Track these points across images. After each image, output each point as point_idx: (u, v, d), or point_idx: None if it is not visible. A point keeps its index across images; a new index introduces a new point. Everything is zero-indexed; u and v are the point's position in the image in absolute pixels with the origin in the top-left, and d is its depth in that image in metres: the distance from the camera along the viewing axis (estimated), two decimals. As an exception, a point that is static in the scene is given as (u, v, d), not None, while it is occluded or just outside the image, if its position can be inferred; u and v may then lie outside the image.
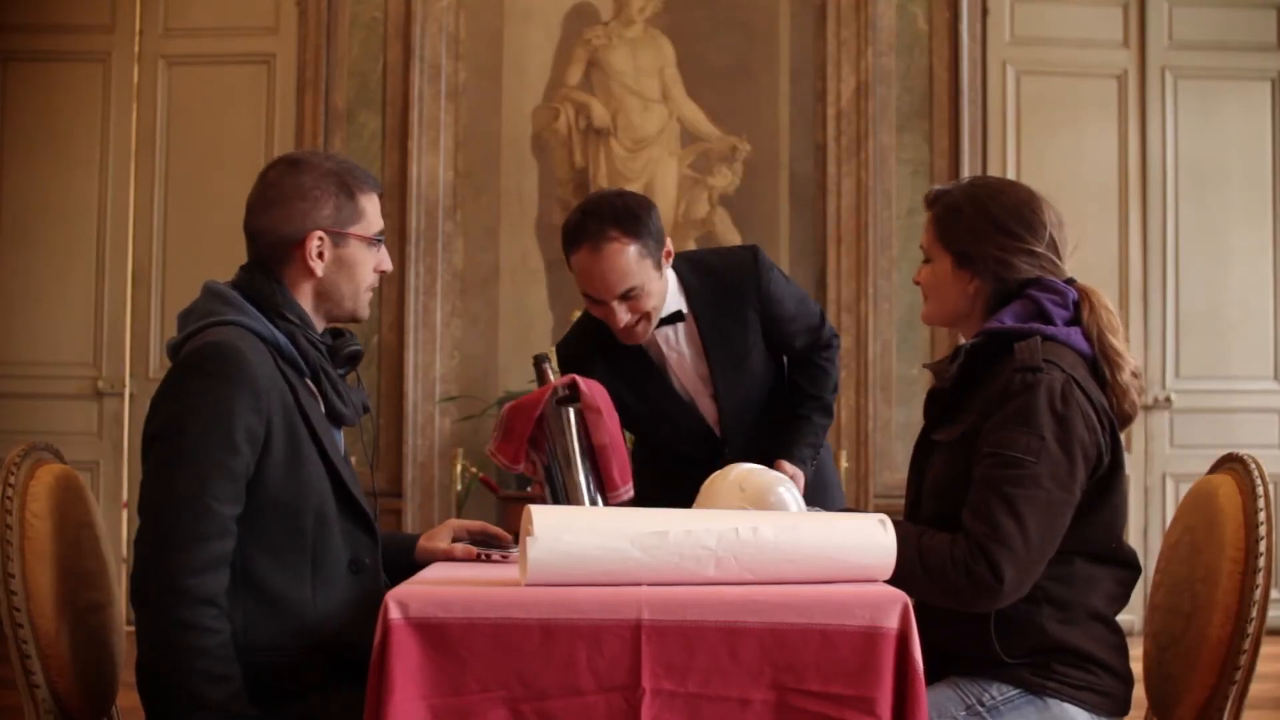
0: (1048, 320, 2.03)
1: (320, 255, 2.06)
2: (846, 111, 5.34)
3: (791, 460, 2.75)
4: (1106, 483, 2.02)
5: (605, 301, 2.56)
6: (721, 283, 2.74)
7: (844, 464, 5.23)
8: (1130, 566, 2.08)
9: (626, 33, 5.45)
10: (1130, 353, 2.09)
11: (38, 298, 5.46)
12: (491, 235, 5.39)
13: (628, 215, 2.53)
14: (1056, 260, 2.10)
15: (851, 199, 5.32)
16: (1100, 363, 2.06)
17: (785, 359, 2.89)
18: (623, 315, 2.57)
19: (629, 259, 2.52)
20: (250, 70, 5.48)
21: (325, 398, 2.07)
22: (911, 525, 2.03)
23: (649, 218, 2.57)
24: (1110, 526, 2.05)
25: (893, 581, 1.82)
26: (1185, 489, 2.30)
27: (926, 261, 2.17)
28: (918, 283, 2.20)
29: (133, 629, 2.02)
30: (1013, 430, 1.94)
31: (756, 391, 2.81)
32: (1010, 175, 5.28)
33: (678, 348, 2.75)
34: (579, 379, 2.31)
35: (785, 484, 2.05)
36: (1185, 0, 5.55)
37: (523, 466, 2.30)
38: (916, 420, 5.34)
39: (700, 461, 2.60)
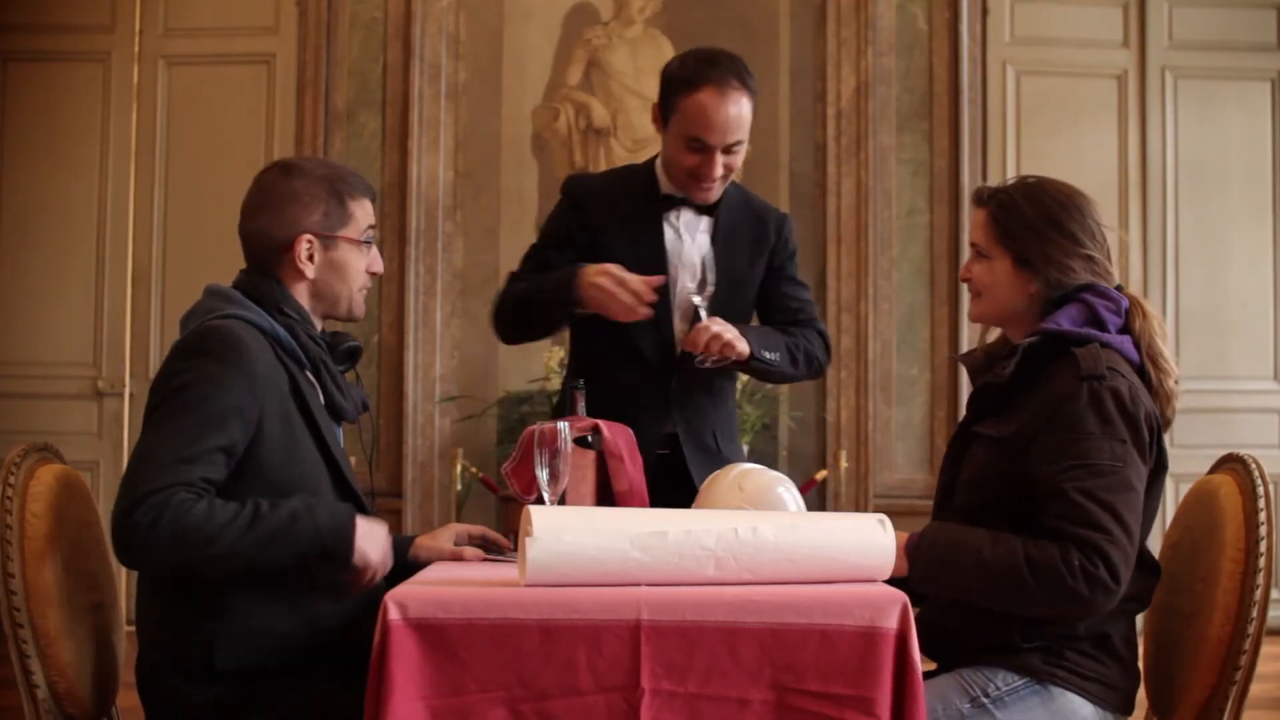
0: (1101, 327, 2.04)
1: (311, 258, 2.09)
2: (846, 111, 5.34)
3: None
4: (1149, 486, 2.03)
5: (712, 148, 2.50)
6: (752, 207, 2.71)
7: (844, 464, 5.23)
8: (1154, 572, 2.09)
9: (626, 33, 5.45)
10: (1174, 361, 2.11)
11: (38, 298, 5.45)
12: (491, 235, 5.38)
13: (749, 72, 2.54)
14: (1109, 266, 2.11)
15: (851, 199, 5.31)
16: (1148, 367, 2.07)
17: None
18: (719, 166, 2.52)
19: (747, 112, 2.51)
20: (250, 70, 5.48)
21: (325, 390, 2.10)
22: (1011, 535, 1.95)
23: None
24: (1146, 528, 2.05)
25: (977, 588, 1.85)
26: (1185, 489, 2.30)
27: (980, 258, 2.14)
28: (965, 280, 2.18)
29: (133, 629, 2.02)
30: (1095, 440, 1.94)
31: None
32: (1010, 176, 5.27)
33: (693, 234, 2.64)
34: (602, 424, 2.26)
35: (785, 484, 2.05)
36: (1185, 0, 5.55)
37: (534, 498, 2.25)
38: (917, 420, 5.40)
39: (645, 402, 2.52)
